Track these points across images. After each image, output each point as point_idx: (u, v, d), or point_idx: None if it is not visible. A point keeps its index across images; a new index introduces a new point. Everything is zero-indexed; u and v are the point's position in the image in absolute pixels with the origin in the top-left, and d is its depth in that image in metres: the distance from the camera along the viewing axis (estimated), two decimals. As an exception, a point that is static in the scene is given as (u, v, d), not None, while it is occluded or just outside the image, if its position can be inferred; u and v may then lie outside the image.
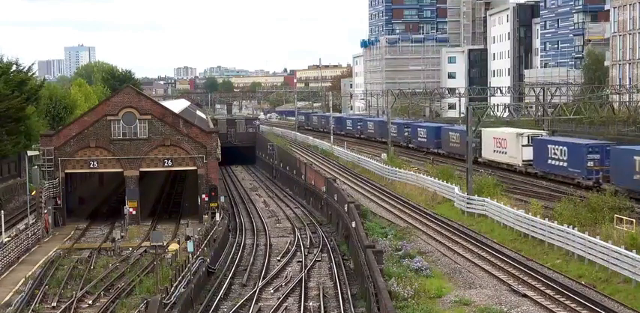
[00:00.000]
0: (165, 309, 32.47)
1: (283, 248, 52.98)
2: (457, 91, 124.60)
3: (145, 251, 47.84)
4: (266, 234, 58.90)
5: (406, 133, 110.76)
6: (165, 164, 60.70)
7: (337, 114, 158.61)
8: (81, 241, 54.01)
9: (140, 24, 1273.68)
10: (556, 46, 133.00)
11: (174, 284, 35.68)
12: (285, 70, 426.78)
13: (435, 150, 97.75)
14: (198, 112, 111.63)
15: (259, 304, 38.30)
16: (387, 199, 70.82)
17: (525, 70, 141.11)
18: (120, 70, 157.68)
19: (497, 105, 72.59)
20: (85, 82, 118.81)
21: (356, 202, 55.60)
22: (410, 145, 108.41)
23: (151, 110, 60.35)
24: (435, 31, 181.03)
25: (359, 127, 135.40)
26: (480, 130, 78.87)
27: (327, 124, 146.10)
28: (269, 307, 37.73)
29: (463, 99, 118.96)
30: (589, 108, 74.47)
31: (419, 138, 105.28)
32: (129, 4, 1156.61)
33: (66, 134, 59.99)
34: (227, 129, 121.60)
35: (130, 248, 49.87)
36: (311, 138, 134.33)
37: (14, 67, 75.58)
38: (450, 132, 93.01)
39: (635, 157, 55.68)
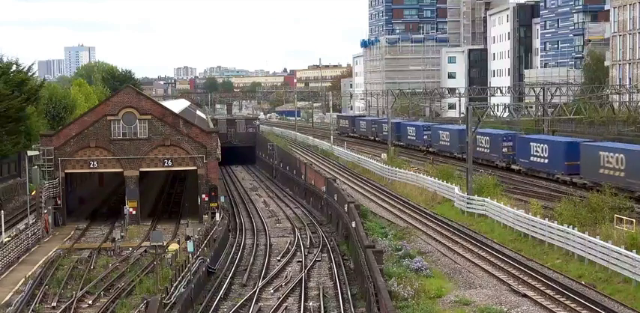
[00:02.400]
0: (165, 309, 32.47)
1: (283, 248, 52.98)
2: (457, 91, 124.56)
3: (145, 251, 47.83)
4: (266, 234, 58.90)
5: (506, 149, 78.95)
6: (165, 164, 60.70)
7: (398, 120, 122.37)
8: (81, 241, 54.01)
9: (140, 24, 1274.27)
10: (556, 46, 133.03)
11: (174, 284, 35.66)
12: (285, 70, 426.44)
13: (562, 176, 68.10)
14: (199, 112, 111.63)
15: (259, 304, 38.29)
16: (387, 199, 70.84)
17: (525, 70, 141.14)
18: (120, 70, 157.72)
19: (497, 105, 72.46)
20: (85, 82, 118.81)
21: (356, 202, 55.59)
22: (515, 167, 76.83)
23: (151, 110, 60.36)
24: (435, 31, 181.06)
25: (425, 137, 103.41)
26: None
27: (379, 132, 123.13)
28: (269, 307, 37.72)
29: (463, 99, 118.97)
30: (589, 108, 74.49)
31: (533, 158, 73.10)
32: (129, 4, 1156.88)
33: (66, 134, 59.99)
34: (227, 129, 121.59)
35: (130, 248, 49.88)
36: (311, 138, 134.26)
37: (14, 67, 75.53)
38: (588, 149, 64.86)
39: None
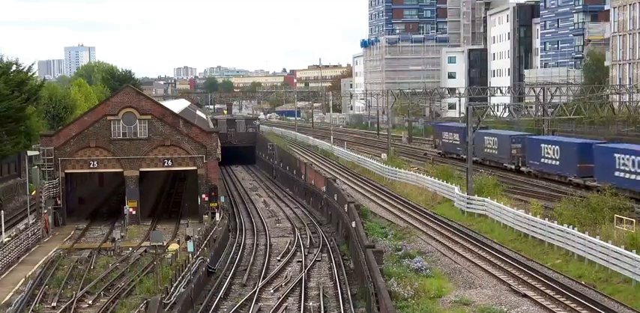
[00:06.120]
0: (165, 309, 32.47)
1: (283, 248, 52.97)
2: (457, 91, 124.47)
3: (145, 251, 47.83)
4: (266, 234, 58.89)
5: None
6: (165, 164, 60.70)
7: (558, 137, 75.54)
8: (81, 241, 54.02)
9: (140, 24, 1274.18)
10: (556, 46, 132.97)
11: (174, 284, 35.68)
12: (285, 70, 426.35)
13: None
14: (199, 112, 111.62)
15: (259, 304, 38.29)
16: (387, 199, 70.82)
17: (525, 70, 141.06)
18: (120, 70, 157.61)
19: (497, 105, 72.45)
20: (85, 82, 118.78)
21: (356, 202, 55.59)
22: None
23: (151, 110, 60.36)
24: (435, 31, 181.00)
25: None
26: None
27: (531, 157, 71.75)
28: (269, 307, 37.72)
29: (463, 99, 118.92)
30: (589, 108, 74.42)
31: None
32: (129, 4, 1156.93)
33: (66, 134, 60.00)
34: (227, 129, 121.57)
35: (130, 248, 49.89)
36: (311, 138, 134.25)
37: (14, 67, 75.44)
38: None
39: None
